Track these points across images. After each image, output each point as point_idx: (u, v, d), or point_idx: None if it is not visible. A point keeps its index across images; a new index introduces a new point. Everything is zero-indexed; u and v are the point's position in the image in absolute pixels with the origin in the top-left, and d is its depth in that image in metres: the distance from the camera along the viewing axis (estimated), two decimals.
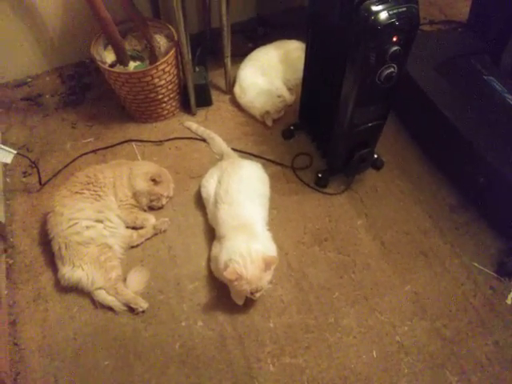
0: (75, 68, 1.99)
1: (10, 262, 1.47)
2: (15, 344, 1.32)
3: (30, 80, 1.97)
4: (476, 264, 1.48)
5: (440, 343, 1.33)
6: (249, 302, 1.39)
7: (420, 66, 1.64)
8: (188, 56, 1.64)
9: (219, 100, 1.93)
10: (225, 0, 1.55)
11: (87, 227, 1.40)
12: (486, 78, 1.57)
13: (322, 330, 1.35)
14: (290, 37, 1.97)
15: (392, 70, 1.18)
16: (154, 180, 1.53)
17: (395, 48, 1.12)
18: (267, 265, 1.28)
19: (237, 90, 1.85)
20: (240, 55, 1.94)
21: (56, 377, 1.27)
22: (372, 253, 1.51)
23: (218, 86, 1.96)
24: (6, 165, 1.63)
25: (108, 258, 1.40)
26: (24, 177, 1.67)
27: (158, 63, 1.56)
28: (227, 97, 1.94)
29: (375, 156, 1.67)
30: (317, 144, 1.72)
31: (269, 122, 1.80)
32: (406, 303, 1.41)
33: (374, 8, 1.06)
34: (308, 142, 1.77)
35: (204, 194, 1.54)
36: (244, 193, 1.45)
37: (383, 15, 1.07)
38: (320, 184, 1.65)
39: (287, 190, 1.66)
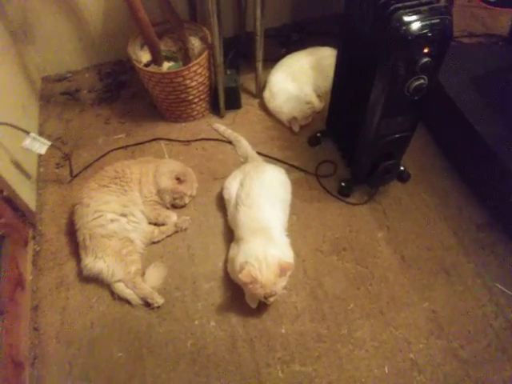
0: (113, 66, 2.07)
1: (37, 248, 1.54)
2: (35, 329, 1.37)
3: (70, 75, 2.06)
4: (499, 285, 1.43)
5: (455, 364, 1.29)
6: (262, 306, 1.39)
7: (455, 78, 1.60)
8: (220, 59, 1.66)
9: (248, 103, 1.95)
10: (260, 4, 1.57)
11: (111, 220, 1.45)
12: None
13: (334, 341, 1.34)
14: (323, 44, 1.96)
15: (422, 81, 1.16)
16: (178, 179, 1.57)
17: (426, 60, 1.10)
18: (282, 270, 1.28)
19: (266, 94, 1.87)
20: (273, 60, 1.95)
21: (71, 364, 1.31)
22: (391, 266, 1.48)
23: (248, 90, 1.99)
24: (40, 155, 1.70)
25: (129, 252, 1.44)
26: (57, 168, 1.75)
27: (190, 65, 1.60)
28: (256, 101, 1.95)
29: (401, 168, 1.64)
30: (342, 153, 1.71)
31: (295, 128, 1.81)
32: (422, 320, 1.37)
33: (406, 18, 1.05)
34: (334, 150, 1.76)
35: (226, 196, 1.56)
36: (265, 197, 1.46)
37: (415, 26, 1.05)
38: (343, 193, 1.64)
39: (309, 196, 1.66)
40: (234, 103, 1.89)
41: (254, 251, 1.32)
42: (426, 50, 1.09)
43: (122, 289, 1.41)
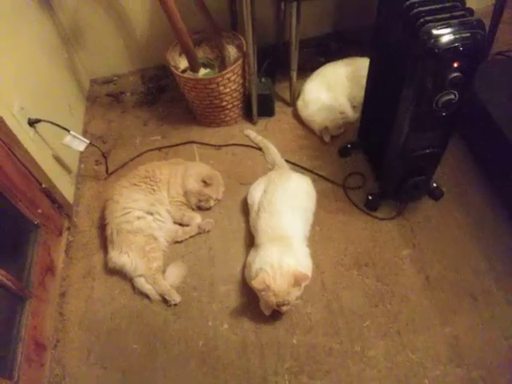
0: (156, 71, 2.17)
1: (71, 239, 1.64)
2: (60, 314, 1.46)
3: (115, 78, 2.18)
4: None
5: None
6: (276, 315, 1.39)
7: (496, 93, 1.52)
8: (254, 67, 1.69)
9: (282, 112, 1.96)
10: (295, 14, 1.59)
11: (138, 217, 1.52)
12: None
13: (346, 357, 1.31)
14: (362, 54, 1.93)
15: (452, 96, 1.11)
16: (204, 182, 1.61)
17: (455, 74, 1.06)
18: (297, 280, 1.28)
19: (299, 103, 1.87)
20: (311, 69, 1.95)
21: (89, 350, 1.38)
22: (414, 286, 1.43)
23: (282, 98, 2.00)
24: (82, 152, 1.82)
25: (152, 249, 1.50)
26: (96, 165, 1.86)
27: (223, 72, 1.64)
28: (290, 109, 1.96)
29: (434, 185, 1.58)
30: (372, 165, 1.67)
31: (326, 138, 1.79)
32: (442, 346, 1.30)
33: (435, 31, 1.02)
34: (364, 162, 1.73)
35: (249, 201, 1.58)
36: (287, 205, 1.46)
37: (444, 39, 1.01)
38: (369, 207, 1.60)
39: (334, 208, 1.63)
40: (267, 110, 1.91)
41: (270, 258, 1.33)
42: (455, 65, 1.05)
43: (142, 283, 1.47)
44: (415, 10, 1.06)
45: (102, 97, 2.13)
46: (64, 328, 1.43)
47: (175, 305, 1.44)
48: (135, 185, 1.57)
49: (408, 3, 1.09)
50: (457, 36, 1.01)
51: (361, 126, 1.69)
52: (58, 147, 1.63)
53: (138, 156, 1.85)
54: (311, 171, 1.73)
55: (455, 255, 1.48)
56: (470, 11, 1.06)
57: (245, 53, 1.68)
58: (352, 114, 1.83)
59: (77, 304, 1.48)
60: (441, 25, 1.02)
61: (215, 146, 1.86)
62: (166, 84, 2.12)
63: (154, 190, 1.58)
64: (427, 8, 1.06)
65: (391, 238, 1.54)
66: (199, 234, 1.60)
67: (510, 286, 1.39)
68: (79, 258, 1.59)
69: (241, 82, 1.76)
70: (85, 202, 1.74)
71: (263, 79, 1.87)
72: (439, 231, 1.54)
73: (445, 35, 1.01)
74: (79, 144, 1.58)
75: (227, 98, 1.76)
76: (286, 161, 1.74)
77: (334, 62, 1.92)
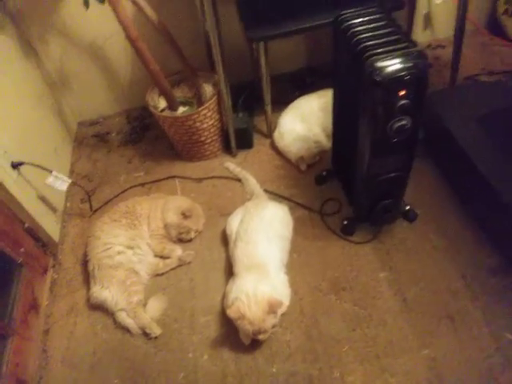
0: (140, 111, 2.26)
1: (55, 276, 1.68)
2: (44, 351, 1.48)
3: (101, 120, 2.28)
4: (509, 335, 1.32)
5: None
6: (255, 343, 1.40)
7: (459, 117, 1.57)
8: (228, 103, 1.78)
9: (260, 143, 2.03)
10: (263, 53, 1.68)
11: (119, 252, 1.56)
12: None
13: None
14: None
15: (404, 122, 1.17)
16: (184, 214, 1.65)
17: (403, 102, 1.12)
18: (271, 308, 1.29)
19: (276, 134, 1.94)
20: (286, 102, 2.03)
21: None
22: (391, 309, 1.43)
23: (261, 130, 2.07)
24: (68, 191, 1.88)
25: (133, 283, 1.53)
26: (81, 203, 1.92)
27: (199, 109, 1.72)
28: (268, 141, 2.03)
29: (407, 207, 1.61)
30: (345, 191, 1.71)
31: (302, 167, 1.85)
32: (421, 368, 1.30)
33: (379, 64, 1.09)
34: (339, 188, 1.77)
35: (228, 231, 1.61)
36: (262, 233, 1.50)
37: (388, 70, 1.08)
38: (346, 231, 1.63)
39: (312, 234, 1.67)
40: (245, 143, 1.98)
41: (246, 287, 1.35)
42: (401, 93, 1.11)
43: (123, 317, 1.49)
44: (361, 45, 1.14)
45: (89, 138, 2.22)
46: (47, 365, 1.45)
47: (156, 338, 1.46)
48: (116, 220, 1.62)
49: (355, 39, 1.17)
50: (400, 66, 1.08)
51: (333, 154, 1.74)
52: (43, 187, 1.70)
53: (121, 193, 1.91)
54: (289, 199, 1.77)
55: (431, 276, 1.50)
56: (413, 43, 1.14)
57: (218, 90, 1.77)
58: (326, 143, 1.89)
59: (60, 341, 1.50)
60: (384, 57, 1.09)
61: (196, 179, 1.93)
62: (150, 123, 2.21)
63: (134, 225, 1.63)
64: (372, 42, 1.14)
65: (368, 262, 1.56)
66: (180, 265, 1.63)
67: (486, 305, 1.40)
68: (63, 294, 1.62)
69: (217, 117, 1.84)
70: (70, 240, 1.79)
71: (240, 114, 1.96)
72: (415, 253, 1.56)
73: (388, 67, 1.08)
74: (62, 184, 1.65)
75: (205, 134, 1.83)
76: (265, 190, 1.79)
77: (308, 95, 2.00)
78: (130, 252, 1.57)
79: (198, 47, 2.04)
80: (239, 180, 1.88)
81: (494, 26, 2.28)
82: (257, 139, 2.04)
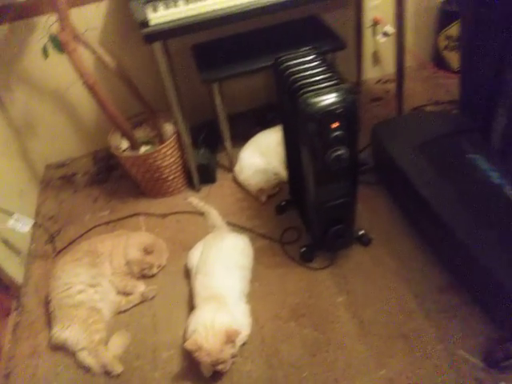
0: (106, 151, 2.32)
1: (18, 319, 1.67)
2: None
3: (68, 162, 2.34)
4: (462, 352, 1.37)
5: None
6: (216, 375, 1.40)
7: (402, 145, 1.68)
8: (188, 141, 1.86)
9: (223, 178, 2.11)
10: (218, 93, 1.79)
11: (80, 291, 1.56)
12: (469, 156, 1.56)
13: None
14: None
15: (340, 152, 1.26)
16: (146, 250, 1.68)
17: (336, 133, 1.21)
18: (229, 338, 1.31)
19: (236, 168, 2.02)
20: (248, 137, 2.13)
21: None
22: (349, 332, 1.47)
23: (223, 165, 2.16)
24: (33, 232, 1.91)
25: (95, 321, 1.53)
26: (46, 244, 1.93)
27: (158, 148, 1.80)
28: (230, 175, 2.11)
29: (362, 232, 1.68)
30: (302, 219, 1.78)
31: (263, 199, 1.92)
32: None
33: (311, 100, 1.18)
34: (298, 217, 1.84)
35: (189, 265, 1.65)
36: (221, 264, 1.54)
37: (319, 105, 1.18)
38: (304, 258, 1.68)
39: (273, 263, 1.71)
40: (208, 178, 2.05)
41: (203, 318, 1.38)
42: (334, 126, 1.20)
43: (84, 357, 1.48)
44: (297, 84, 1.24)
45: (56, 180, 2.26)
46: None
47: (118, 375, 1.45)
48: (77, 260, 1.64)
49: (291, 79, 1.27)
50: (330, 101, 1.18)
51: (289, 185, 1.82)
52: (6, 230, 1.72)
53: (86, 232, 1.94)
54: (251, 230, 1.82)
55: (387, 298, 1.54)
56: (343, 80, 1.24)
57: (177, 129, 1.85)
58: (284, 175, 1.97)
59: None
60: (317, 94, 1.19)
61: (160, 215, 1.97)
62: (115, 163, 2.27)
63: (96, 263, 1.65)
64: (306, 81, 1.24)
65: (326, 287, 1.61)
66: (143, 301, 1.64)
67: (439, 323, 1.45)
68: (26, 337, 1.61)
69: (178, 154, 1.92)
70: (33, 281, 1.79)
71: (202, 150, 2.04)
72: (371, 276, 1.62)
73: (320, 102, 1.18)
74: (23, 226, 1.67)
75: (167, 171, 1.90)
76: (228, 223, 1.85)
77: (267, 130, 2.10)
78: (91, 290, 1.58)
79: (160, 88, 2.14)
80: (202, 214, 1.94)
81: (438, 60, 2.46)
82: (220, 174, 2.12)
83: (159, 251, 1.73)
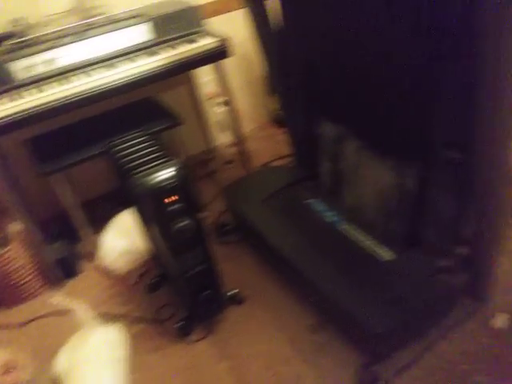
0: None
1: None
2: None
3: None
4: None
5: None
6: None
7: (250, 201, 1.81)
8: (38, 237, 1.75)
9: (87, 268, 2.00)
10: (61, 185, 1.75)
11: None
12: (306, 202, 1.74)
13: None
14: None
15: (184, 223, 1.31)
16: (5, 370, 1.48)
17: (174, 207, 1.27)
18: None
19: (99, 254, 1.94)
20: (110, 220, 2.08)
21: None
22: None
23: (85, 254, 2.05)
24: None
25: None
26: None
27: (1, 252, 1.65)
28: (94, 263, 2.01)
29: (234, 291, 1.71)
30: (174, 292, 1.77)
31: (132, 281, 1.86)
32: None
33: (139, 180, 1.23)
34: (171, 291, 1.82)
35: (55, 374, 1.49)
36: (89, 366, 1.42)
37: (147, 184, 1.23)
38: (182, 333, 1.64)
39: (151, 347, 1.63)
40: (69, 272, 1.93)
41: None
42: (170, 199, 1.25)
43: None
44: (127, 166, 1.28)
45: None
46: None
47: None
48: None
49: (122, 162, 1.31)
50: (160, 178, 1.24)
51: (155, 260, 1.81)
52: None
53: None
54: (125, 316, 1.74)
55: (266, 351, 1.57)
56: (172, 157, 1.32)
57: (23, 228, 1.74)
58: (150, 251, 1.95)
59: None
60: (146, 174, 1.24)
61: (18, 325, 1.77)
62: None
63: None
64: (136, 163, 1.29)
65: (208, 357, 1.58)
66: None
67: (316, 363, 1.51)
68: None
69: (28, 255, 1.78)
70: None
71: (57, 243, 1.93)
72: (248, 334, 1.64)
73: (149, 181, 1.23)
74: None
75: (16, 276, 1.74)
76: (99, 314, 1.72)
77: (125, 211, 2.08)
78: None
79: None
80: (68, 312, 1.79)
81: (276, 120, 2.77)
82: (83, 264, 2.01)
83: (21, 367, 1.54)
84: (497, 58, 0.95)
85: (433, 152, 1.29)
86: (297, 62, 1.67)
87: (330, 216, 1.68)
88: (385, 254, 1.51)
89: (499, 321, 1.49)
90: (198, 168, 2.56)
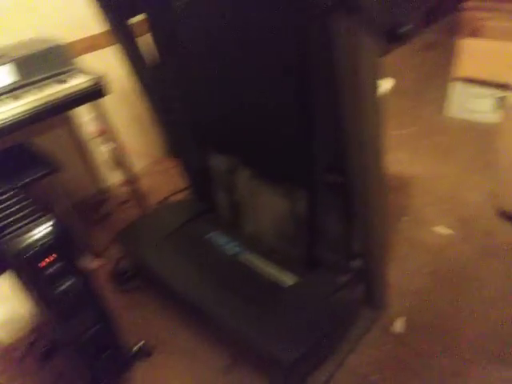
0: None
1: None
2: None
3: None
4: None
5: None
6: None
7: (148, 242, 1.71)
8: None
9: None
10: None
11: None
12: (207, 236, 1.70)
13: None
14: None
15: (67, 284, 1.17)
16: None
17: (52, 268, 1.13)
18: None
19: None
20: None
21: None
22: None
23: None
24: None
25: None
26: None
27: None
28: None
29: (139, 344, 1.58)
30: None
31: (18, 354, 1.62)
32: None
33: (7, 245, 1.08)
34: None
35: None
36: None
37: (17, 248, 1.08)
38: None
39: None
40: None
41: None
42: (46, 261, 1.11)
43: None
44: None
45: None
46: None
47: None
48: None
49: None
50: (33, 239, 1.09)
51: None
52: None
53: None
54: None
55: None
56: (45, 212, 1.18)
57: None
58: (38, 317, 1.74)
59: None
60: (16, 235, 1.09)
61: None
62: None
63: None
64: (4, 223, 1.13)
65: None
66: None
67: None
68: None
69: None
70: None
71: None
72: None
73: (21, 243, 1.08)
74: None
75: None
76: None
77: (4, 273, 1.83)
78: None
79: None
80: None
81: (172, 152, 2.69)
82: None
83: None
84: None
85: (317, 176, 1.34)
86: (176, 96, 1.64)
87: (231, 248, 1.65)
88: (288, 279, 1.51)
89: (398, 326, 1.58)
90: (90, 212, 2.37)
